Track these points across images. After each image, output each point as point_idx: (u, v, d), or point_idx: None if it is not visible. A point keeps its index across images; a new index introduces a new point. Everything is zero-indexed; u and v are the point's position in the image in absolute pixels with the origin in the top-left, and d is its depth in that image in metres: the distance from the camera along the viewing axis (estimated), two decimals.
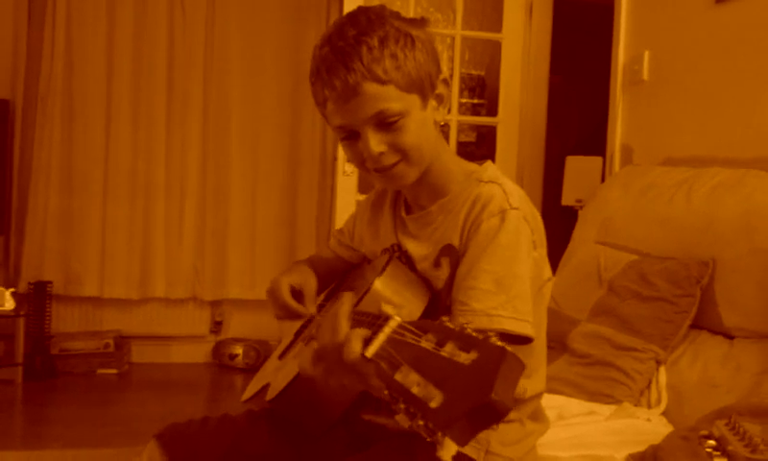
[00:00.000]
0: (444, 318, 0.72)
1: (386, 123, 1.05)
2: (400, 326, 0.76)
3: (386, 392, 0.71)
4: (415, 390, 0.66)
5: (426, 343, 0.70)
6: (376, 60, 1.02)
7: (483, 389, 0.61)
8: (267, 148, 3.83)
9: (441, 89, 1.11)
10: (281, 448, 1.23)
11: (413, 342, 0.71)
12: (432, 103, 1.11)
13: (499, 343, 0.64)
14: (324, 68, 1.05)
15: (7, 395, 3.17)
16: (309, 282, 1.26)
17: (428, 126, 1.10)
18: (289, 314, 1.25)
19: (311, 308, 1.24)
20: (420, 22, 1.09)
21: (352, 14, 1.07)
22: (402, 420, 0.67)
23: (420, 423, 0.65)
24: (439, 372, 0.65)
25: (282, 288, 1.25)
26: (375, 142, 1.05)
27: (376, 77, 1.02)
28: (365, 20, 1.04)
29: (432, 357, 0.67)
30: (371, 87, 1.02)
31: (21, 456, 2.54)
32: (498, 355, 0.63)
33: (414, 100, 1.06)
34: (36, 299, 3.41)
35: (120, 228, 3.66)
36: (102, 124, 3.63)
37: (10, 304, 3.25)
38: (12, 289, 3.32)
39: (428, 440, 0.65)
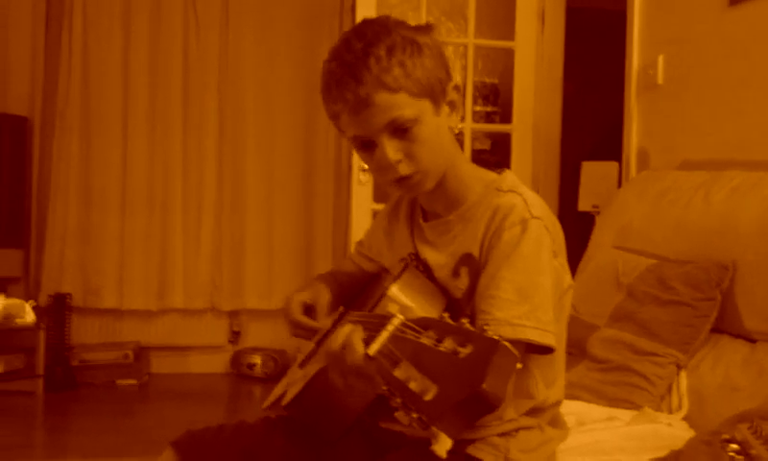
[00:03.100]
0: (445, 314, 0.73)
1: (400, 130, 1.06)
2: (403, 323, 0.78)
3: (385, 387, 0.72)
4: (412, 385, 0.68)
5: (426, 339, 0.72)
6: (385, 70, 1.02)
7: (474, 380, 0.63)
8: (282, 158, 3.85)
9: (452, 96, 1.12)
10: (297, 455, 1.23)
11: (413, 338, 0.73)
12: (445, 109, 1.11)
13: (494, 336, 0.65)
14: (335, 83, 1.06)
15: (28, 406, 3.20)
16: (322, 297, 1.25)
17: (442, 132, 1.11)
18: (301, 330, 1.25)
19: (322, 322, 1.24)
20: (426, 29, 1.10)
21: (358, 28, 1.09)
22: (401, 416, 0.69)
23: (415, 416, 0.67)
24: (436, 366, 0.68)
25: (294, 306, 1.24)
26: (392, 150, 1.06)
27: (386, 86, 1.03)
28: (371, 32, 1.05)
29: (431, 353, 0.69)
30: (382, 97, 1.03)
31: None
32: (491, 347, 0.64)
33: (426, 105, 1.07)
34: (56, 311, 3.44)
35: (138, 239, 3.69)
36: (119, 138, 3.67)
37: (30, 317, 3.29)
38: (32, 302, 3.36)
39: (423, 433, 0.66)
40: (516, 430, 1.14)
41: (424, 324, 0.74)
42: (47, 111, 3.62)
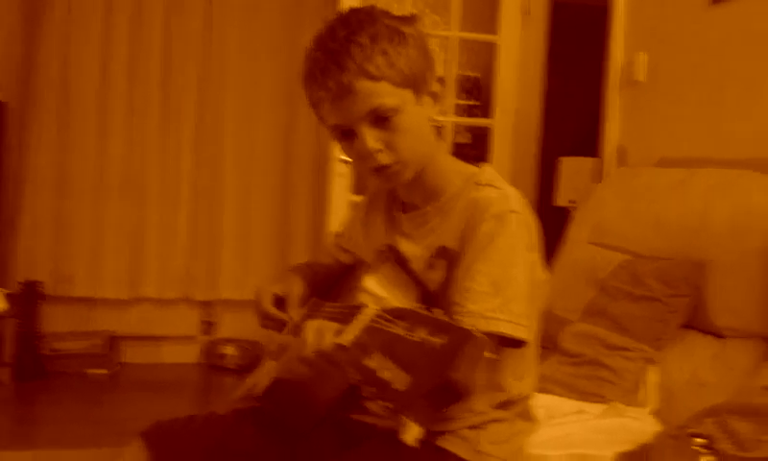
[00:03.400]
0: (418, 305, 0.73)
1: (381, 119, 1.05)
2: (376, 313, 0.78)
3: (357, 377, 0.72)
4: (384, 374, 0.68)
5: (399, 329, 0.72)
6: (368, 58, 1.02)
7: (445, 370, 0.64)
8: (261, 149, 3.83)
9: (435, 87, 1.12)
10: (268, 446, 1.22)
11: (386, 329, 0.74)
12: (427, 100, 1.11)
13: (467, 327, 0.65)
14: (318, 70, 1.05)
15: None
16: (293, 289, 1.24)
17: (423, 123, 1.11)
18: (270, 322, 1.23)
19: (293, 315, 1.22)
20: (411, 19, 1.10)
21: (342, 16, 1.08)
22: (373, 405, 0.69)
23: (386, 404, 0.67)
24: (408, 356, 0.68)
25: (264, 297, 1.23)
26: (371, 139, 1.06)
27: (369, 74, 1.02)
28: (355, 20, 1.05)
29: (404, 342, 0.70)
30: (364, 85, 1.03)
31: (11, 456, 2.53)
32: (463, 338, 0.64)
33: (407, 95, 1.07)
34: (27, 299, 3.39)
35: (112, 228, 3.64)
36: (96, 125, 3.62)
37: (0, 305, 3.23)
38: (2, 289, 3.30)
39: (393, 421, 0.67)
40: (487, 423, 1.14)
41: (398, 314, 0.75)
42: (24, 97, 3.55)
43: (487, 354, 0.67)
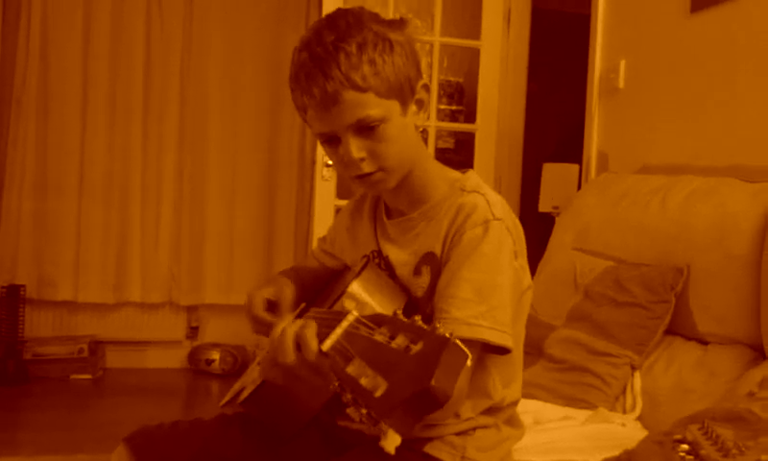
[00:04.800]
0: (399, 311, 0.74)
1: (366, 128, 1.05)
2: (357, 320, 0.78)
3: (336, 383, 0.72)
4: (363, 381, 0.68)
5: (379, 336, 0.72)
6: (354, 67, 1.01)
7: (423, 377, 0.64)
8: (245, 151, 3.82)
9: (421, 95, 1.11)
10: (253, 452, 1.22)
11: (367, 335, 0.74)
12: (412, 108, 1.10)
13: (445, 333, 0.66)
14: (303, 75, 1.04)
15: None
16: (285, 293, 1.22)
17: (408, 131, 1.10)
18: (263, 328, 1.21)
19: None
20: (400, 24, 1.09)
21: (331, 18, 1.06)
22: (352, 412, 0.69)
23: (364, 412, 0.67)
24: (387, 362, 0.68)
25: (256, 302, 1.21)
26: (356, 148, 1.05)
27: (355, 84, 1.01)
28: (344, 25, 1.04)
29: (383, 349, 0.70)
30: (350, 95, 1.02)
31: None
32: (441, 344, 0.65)
33: (393, 105, 1.06)
34: (9, 303, 3.36)
35: (95, 231, 3.62)
36: (77, 126, 3.60)
37: None
38: None
39: (372, 429, 0.67)
40: (474, 429, 1.14)
41: (378, 320, 0.75)
42: (3, 96, 3.52)
43: (468, 363, 0.67)
